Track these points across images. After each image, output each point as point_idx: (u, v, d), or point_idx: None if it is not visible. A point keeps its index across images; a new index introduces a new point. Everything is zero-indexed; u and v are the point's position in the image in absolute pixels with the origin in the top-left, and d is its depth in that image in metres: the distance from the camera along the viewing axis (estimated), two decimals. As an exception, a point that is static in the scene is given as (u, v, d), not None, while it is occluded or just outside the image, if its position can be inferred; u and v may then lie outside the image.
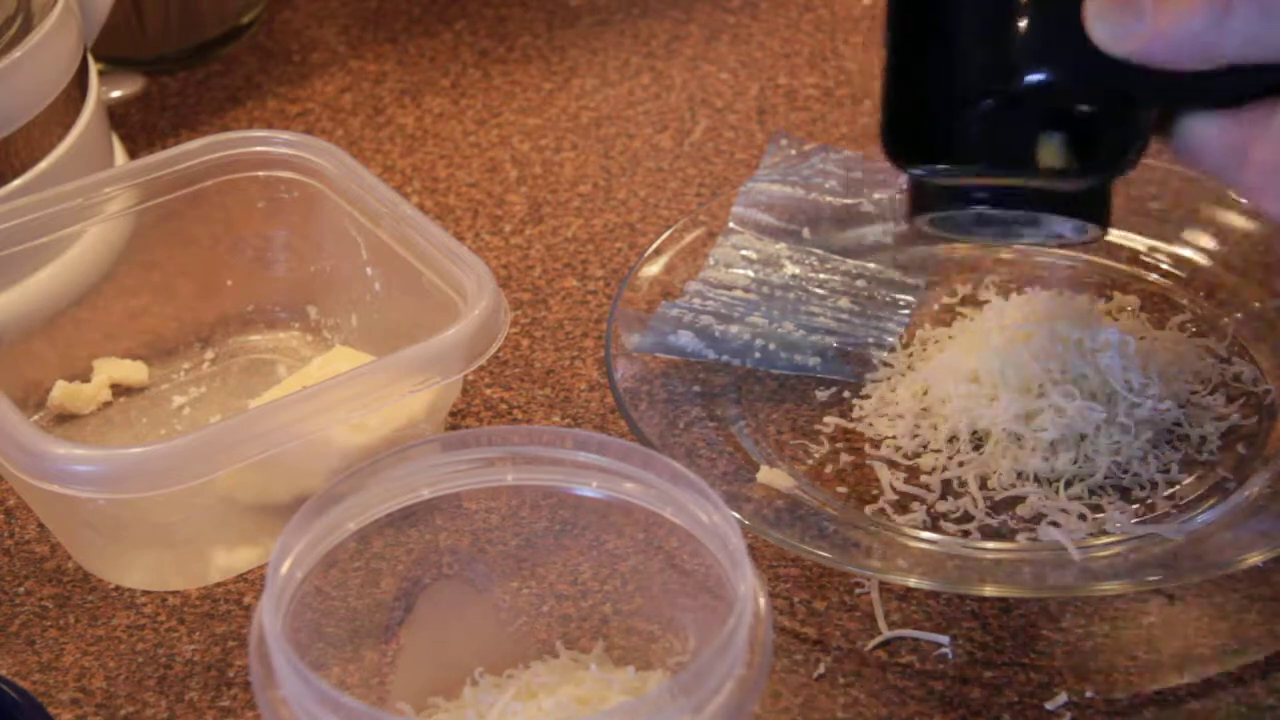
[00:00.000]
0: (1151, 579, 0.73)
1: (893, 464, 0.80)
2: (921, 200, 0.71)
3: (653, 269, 0.87)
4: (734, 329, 0.84)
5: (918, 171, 0.70)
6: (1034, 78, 0.66)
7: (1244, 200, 0.66)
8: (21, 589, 0.78)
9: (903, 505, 0.78)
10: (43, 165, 0.85)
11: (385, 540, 0.70)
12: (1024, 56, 0.67)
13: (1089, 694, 0.72)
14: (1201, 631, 0.74)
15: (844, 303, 0.86)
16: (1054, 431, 0.78)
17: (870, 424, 0.81)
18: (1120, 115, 0.67)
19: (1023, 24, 0.67)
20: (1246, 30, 0.63)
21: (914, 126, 0.69)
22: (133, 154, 0.96)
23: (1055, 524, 0.76)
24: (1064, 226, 0.71)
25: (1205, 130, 0.66)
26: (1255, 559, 0.73)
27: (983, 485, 0.78)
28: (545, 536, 0.71)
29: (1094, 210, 0.70)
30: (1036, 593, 0.74)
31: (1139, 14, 0.64)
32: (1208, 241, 0.88)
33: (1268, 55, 0.64)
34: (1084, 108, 0.67)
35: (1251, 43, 0.63)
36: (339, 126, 1.02)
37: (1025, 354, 0.80)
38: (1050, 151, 0.67)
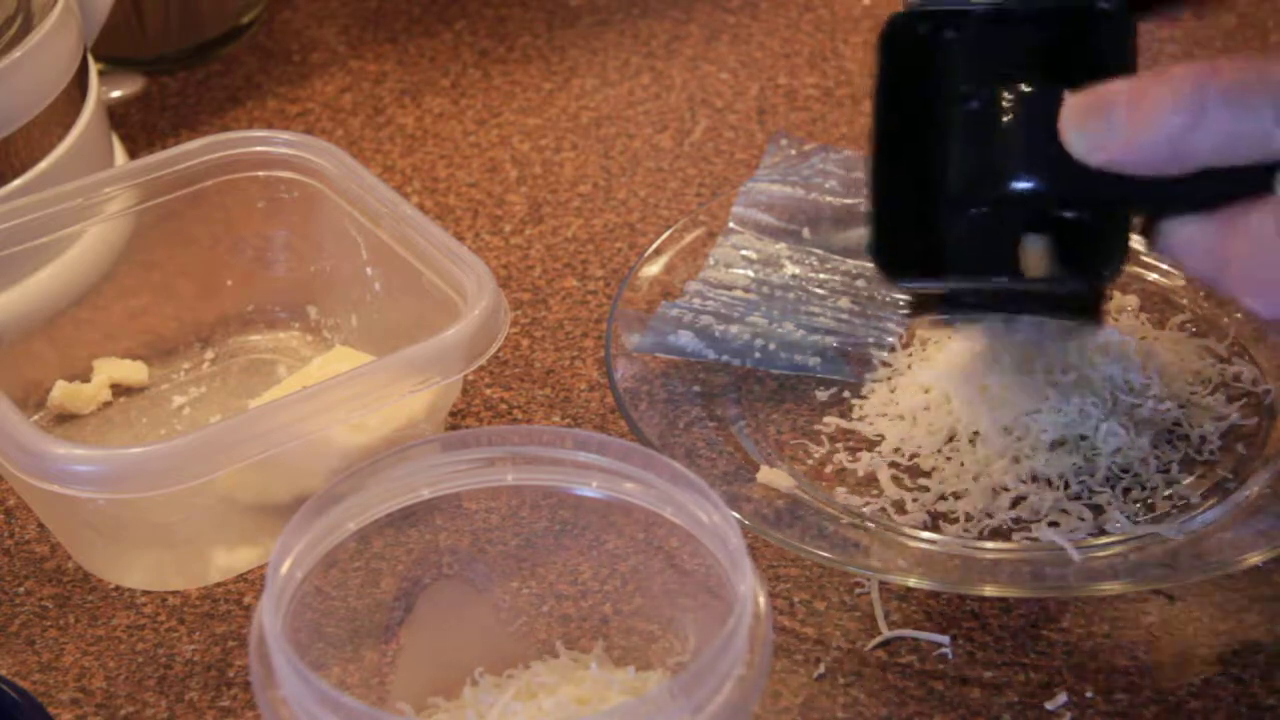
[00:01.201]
0: (1151, 579, 0.73)
1: (893, 464, 0.79)
2: (921, 304, 0.75)
3: (653, 269, 0.87)
4: (734, 329, 0.84)
5: (911, 286, 0.73)
6: (1016, 187, 0.68)
7: (1230, 299, 0.67)
8: (21, 589, 0.78)
9: (902, 505, 0.78)
10: (43, 165, 0.85)
11: (385, 540, 0.70)
12: (1006, 166, 0.68)
13: (1089, 694, 0.72)
14: (1201, 631, 0.74)
15: (844, 303, 0.86)
16: (1054, 431, 0.78)
17: (870, 424, 0.81)
18: (1102, 222, 0.68)
19: (1004, 134, 0.68)
20: (1219, 133, 0.64)
21: (901, 243, 0.71)
22: (133, 154, 0.96)
23: (1055, 524, 0.76)
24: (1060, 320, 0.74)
25: (1184, 232, 0.67)
26: (1255, 559, 0.73)
27: (982, 485, 0.78)
28: (545, 536, 0.71)
29: (1088, 311, 0.72)
30: (1036, 593, 0.74)
31: (1113, 123, 0.65)
32: (1208, 241, 0.88)
33: (1241, 157, 0.64)
34: (1066, 215, 0.69)
35: (1225, 146, 0.64)
36: (339, 126, 1.02)
37: (1025, 354, 0.80)
38: (1035, 260, 0.70)
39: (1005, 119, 0.69)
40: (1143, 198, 0.67)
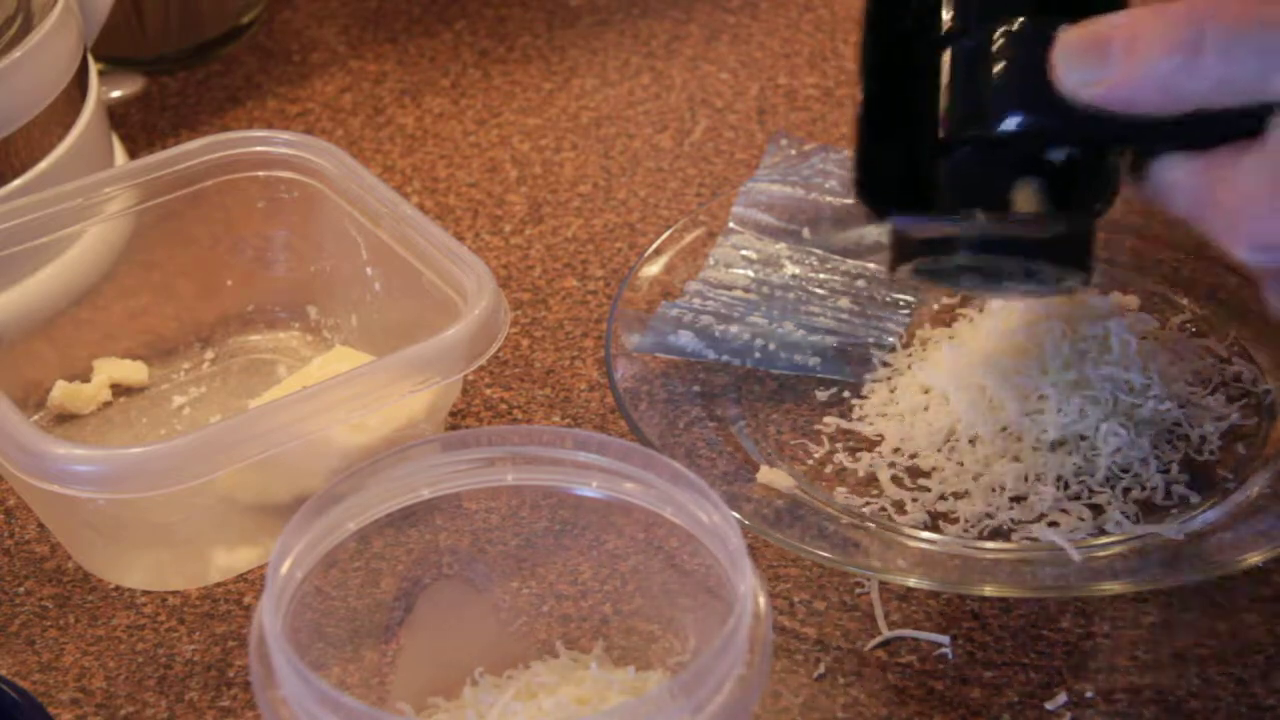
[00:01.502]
0: (1151, 579, 0.73)
1: (893, 464, 0.79)
2: (903, 250, 0.71)
3: (653, 269, 0.87)
4: (734, 329, 0.84)
5: (895, 220, 0.70)
6: (1007, 125, 0.67)
7: (1214, 243, 0.66)
8: (21, 589, 0.78)
9: (902, 505, 0.78)
10: (43, 165, 0.85)
11: (385, 540, 0.70)
12: (997, 104, 0.67)
13: (1089, 694, 0.72)
14: (1201, 631, 0.74)
15: (844, 303, 0.86)
16: (1054, 431, 0.78)
17: (870, 424, 0.81)
18: (1092, 160, 0.67)
19: (995, 71, 0.67)
20: (1214, 74, 0.63)
21: (889, 175, 0.69)
22: (133, 154, 0.96)
23: (1055, 524, 0.76)
24: (1046, 275, 0.71)
25: (1174, 174, 0.66)
26: (1255, 559, 0.73)
27: (982, 485, 0.78)
28: (545, 536, 0.71)
29: (1075, 257, 0.70)
30: (1036, 593, 0.74)
31: (1106, 60, 0.64)
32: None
33: (1235, 99, 0.63)
34: (1057, 153, 0.67)
35: (1219, 87, 0.63)
36: (339, 126, 1.02)
37: (1026, 354, 0.80)
38: (1024, 197, 0.68)
39: (997, 55, 0.67)
40: (1133, 136, 0.66)
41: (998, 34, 0.67)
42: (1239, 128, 0.64)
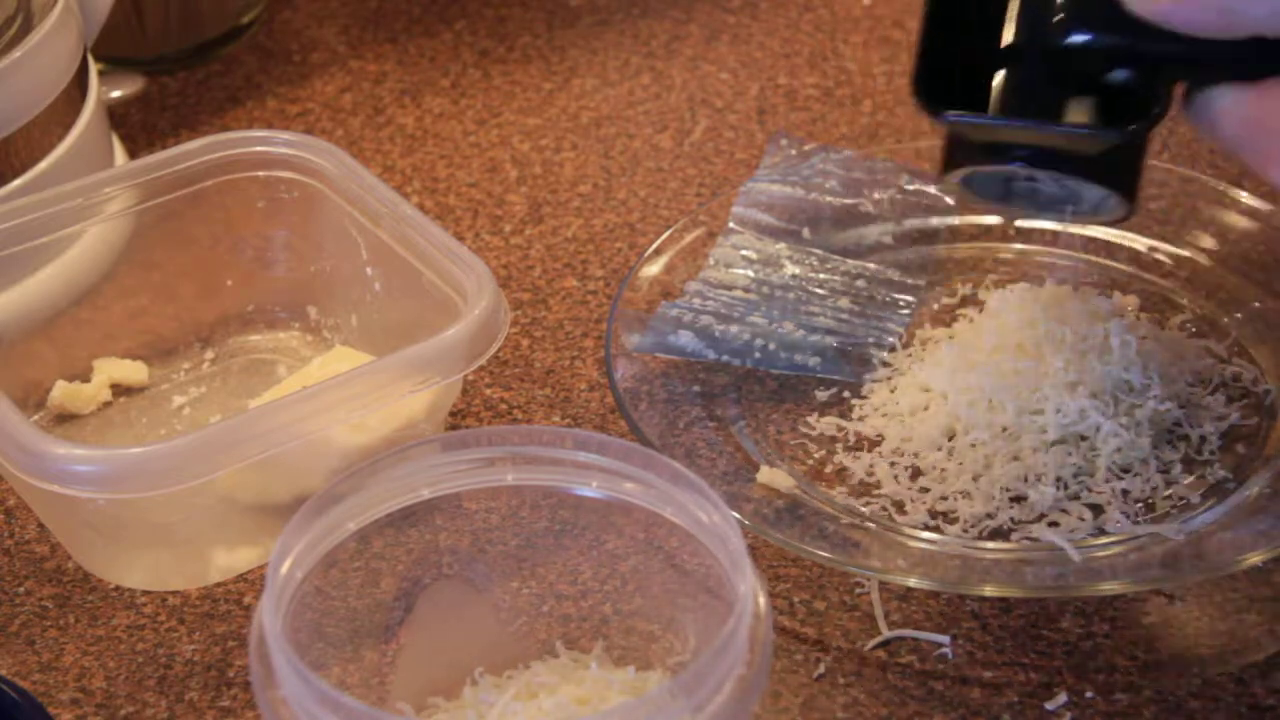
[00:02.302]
0: (1151, 579, 0.73)
1: (893, 464, 0.79)
2: (957, 155, 0.73)
3: (653, 269, 0.87)
4: (734, 329, 0.84)
5: (949, 118, 0.71)
6: (1073, 38, 0.69)
7: (1255, 171, 0.68)
8: (21, 589, 0.78)
9: (902, 505, 0.78)
10: (43, 165, 0.85)
11: (385, 540, 0.70)
12: (1064, 16, 0.69)
13: (1089, 694, 0.72)
14: (1201, 631, 0.74)
15: (844, 303, 0.86)
16: (1054, 431, 0.78)
17: (870, 424, 0.81)
18: (1148, 82, 0.69)
19: None
20: (1273, 2, 0.64)
21: (948, 76, 0.71)
22: (133, 154, 0.96)
23: (1055, 524, 0.76)
24: (1091, 198, 0.72)
25: (1223, 101, 0.68)
26: (1255, 559, 0.73)
27: (982, 485, 0.78)
28: (545, 536, 0.71)
29: (1124, 181, 0.72)
30: (1036, 593, 0.74)
31: None
32: (1208, 241, 0.88)
33: None
34: (1117, 72, 0.69)
35: (1276, 14, 0.65)
36: (339, 126, 1.02)
37: (1026, 354, 0.80)
38: (1080, 110, 0.70)
39: None
40: (1189, 58, 0.68)
41: None
42: None
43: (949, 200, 0.90)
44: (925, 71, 0.71)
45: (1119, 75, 0.69)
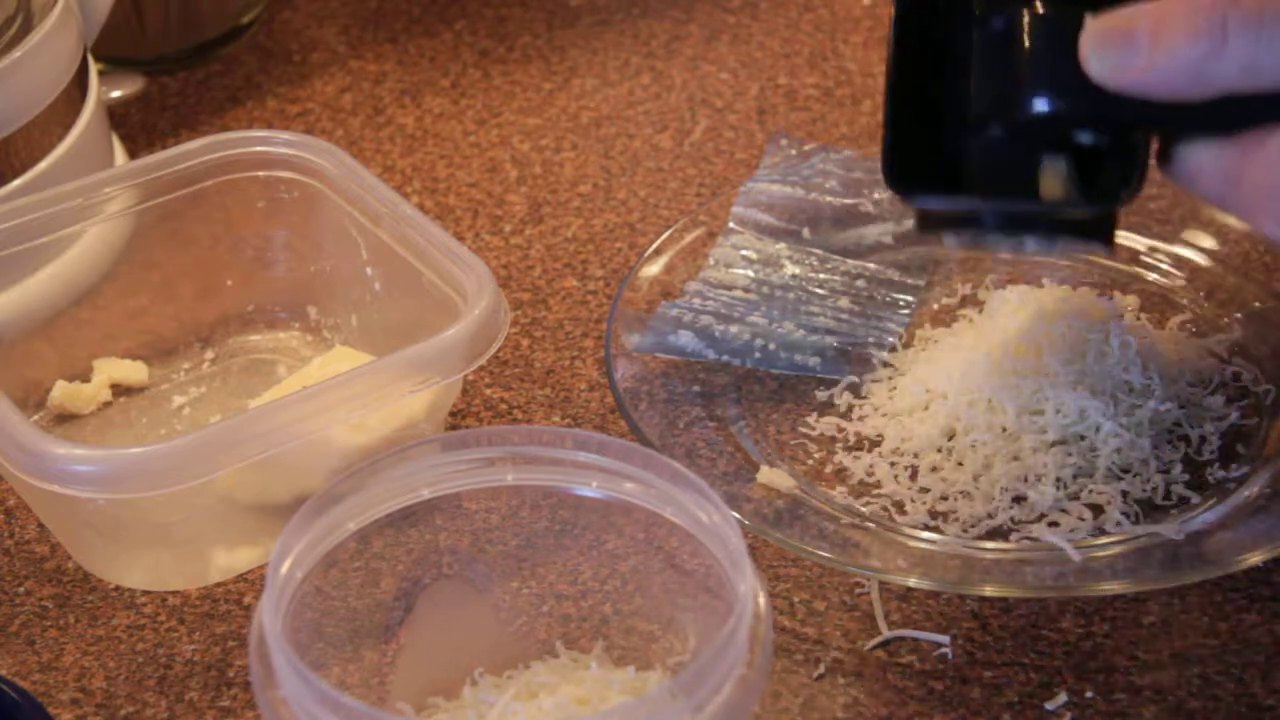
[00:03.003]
0: (1151, 579, 0.73)
1: (893, 464, 0.79)
2: (929, 222, 0.72)
3: (653, 269, 0.87)
4: (734, 329, 0.84)
5: (922, 203, 0.71)
6: (1036, 107, 0.67)
7: (1244, 224, 0.67)
8: (21, 589, 0.78)
9: (902, 505, 0.78)
10: (43, 165, 0.85)
11: (385, 540, 0.70)
12: (1026, 86, 0.68)
13: (1089, 694, 0.72)
14: (1201, 631, 0.74)
15: (844, 303, 0.86)
16: (1054, 432, 0.78)
17: (870, 424, 0.81)
18: (1120, 145, 0.68)
19: (1024, 54, 0.68)
20: (1242, 59, 0.64)
21: (917, 158, 0.70)
22: (133, 154, 0.96)
23: (1055, 524, 0.76)
24: (1070, 244, 0.72)
25: (1202, 156, 0.67)
26: (1255, 559, 0.73)
27: (983, 485, 0.78)
28: (545, 536, 0.71)
29: (1099, 233, 0.71)
30: (1036, 593, 0.74)
31: (1134, 48, 0.65)
32: (1208, 241, 0.88)
33: (1263, 83, 0.64)
34: (1085, 136, 0.68)
35: (1247, 71, 0.64)
36: (339, 126, 1.02)
37: (1025, 354, 0.80)
38: (1052, 182, 0.68)
39: (1025, 40, 0.68)
40: (1161, 120, 0.67)
41: (1026, 18, 0.68)
42: (1266, 112, 0.65)
43: None
44: (895, 153, 0.70)
45: (1089, 137, 0.68)
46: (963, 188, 0.69)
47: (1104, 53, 0.65)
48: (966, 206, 0.70)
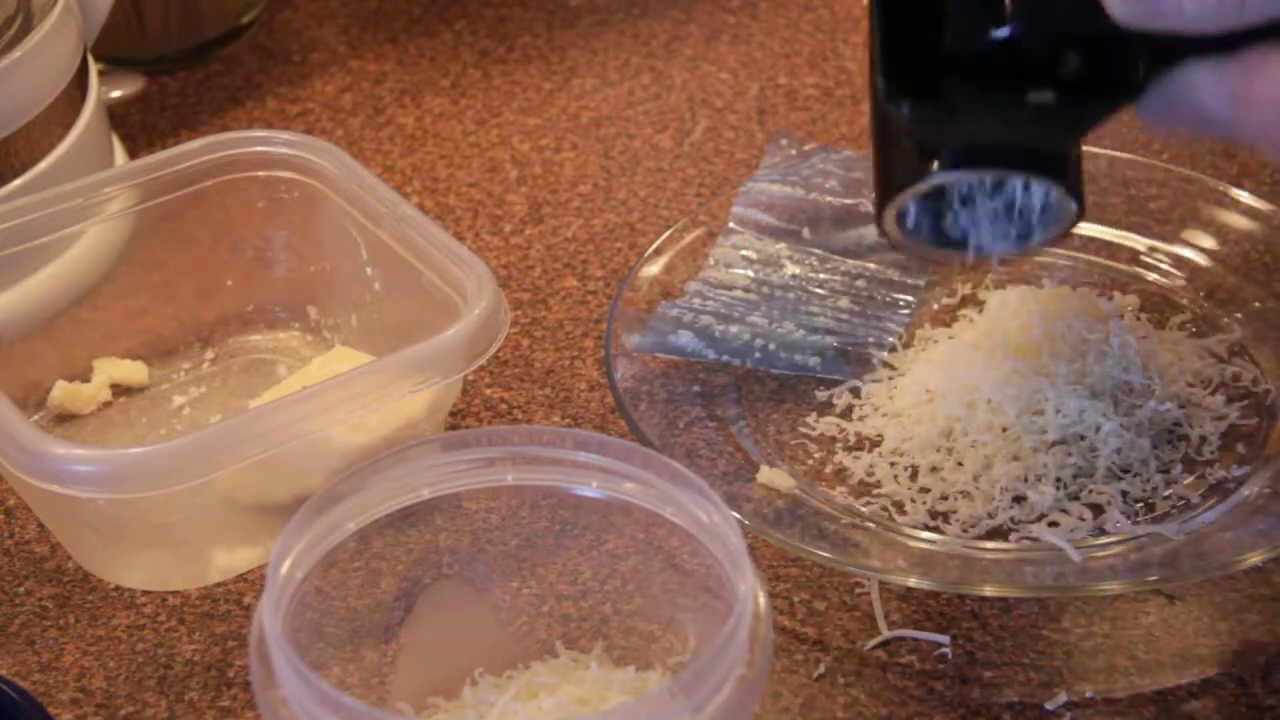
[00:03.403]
0: (1151, 579, 0.73)
1: (893, 464, 0.79)
2: (890, 183, 0.71)
3: (653, 269, 0.87)
4: (734, 329, 0.84)
5: (909, 108, 0.69)
6: (1031, 28, 0.67)
7: (1250, 146, 0.66)
8: (21, 589, 0.78)
9: (902, 505, 0.78)
10: (43, 165, 0.85)
11: (385, 540, 0.70)
12: (1019, 6, 0.67)
13: (1089, 694, 0.72)
14: (1201, 631, 0.74)
15: (844, 303, 0.86)
16: (1054, 432, 0.78)
17: (870, 424, 0.81)
18: (1104, 68, 0.67)
19: None
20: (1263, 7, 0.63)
21: (907, 66, 0.69)
22: (133, 154, 0.96)
23: (1055, 524, 0.76)
24: (1035, 205, 0.71)
25: (1204, 78, 0.65)
26: (1255, 559, 0.73)
27: (983, 485, 0.78)
28: (545, 536, 0.71)
29: (1066, 177, 0.70)
30: (1036, 593, 0.74)
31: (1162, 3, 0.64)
32: (1208, 241, 0.88)
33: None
34: (1069, 62, 0.67)
35: (1265, 9, 0.63)
36: (339, 126, 1.02)
37: (1025, 354, 0.80)
38: (1039, 94, 0.68)
39: None
40: (1165, 47, 0.66)
41: None
42: (1270, 31, 0.64)
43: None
44: (887, 65, 0.69)
45: (1074, 64, 0.67)
46: (953, 95, 0.68)
47: (1132, 5, 0.65)
48: (962, 106, 0.69)
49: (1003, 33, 0.68)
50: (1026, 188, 0.71)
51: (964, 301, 0.87)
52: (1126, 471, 0.78)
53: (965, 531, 0.76)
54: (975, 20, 0.68)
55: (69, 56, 0.86)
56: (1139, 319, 0.85)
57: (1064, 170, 0.70)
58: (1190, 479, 0.78)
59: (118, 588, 0.78)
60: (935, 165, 0.70)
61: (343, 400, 0.73)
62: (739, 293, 0.86)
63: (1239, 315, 0.85)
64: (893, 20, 0.70)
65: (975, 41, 0.68)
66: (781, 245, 0.89)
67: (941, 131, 0.70)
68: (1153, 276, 0.88)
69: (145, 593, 0.77)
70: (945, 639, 0.74)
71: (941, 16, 0.69)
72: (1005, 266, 0.88)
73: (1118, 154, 0.91)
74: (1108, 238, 0.89)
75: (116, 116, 1.00)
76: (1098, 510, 0.77)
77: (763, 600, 0.64)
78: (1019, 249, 0.73)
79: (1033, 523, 0.77)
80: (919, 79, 0.69)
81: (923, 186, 0.70)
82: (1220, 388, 0.82)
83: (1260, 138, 0.66)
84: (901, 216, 0.72)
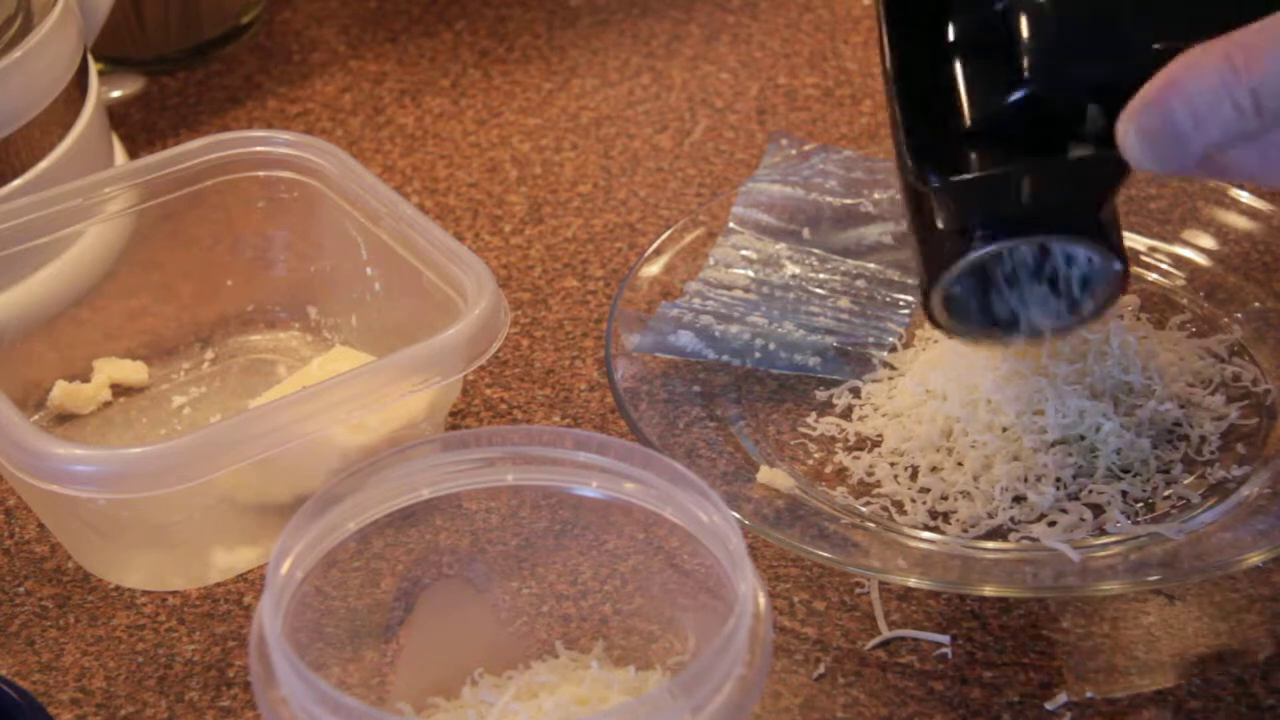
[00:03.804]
0: (1151, 579, 0.73)
1: (893, 464, 0.79)
2: (934, 263, 0.72)
3: (653, 269, 0.87)
4: (734, 329, 0.84)
5: (939, 184, 0.70)
6: (1048, 86, 0.68)
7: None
8: (21, 589, 0.78)
9: (902, 505, 0.78)
10: (43, 165, 0.85)
11: (385, 540, 0.70)
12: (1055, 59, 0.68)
13: (1089, 694, 0.72)
14: (1201, 631, 0.74)
15: (844, 303, 0.86)
16: (1054, 432, 0.78)
17: (870, 424, 0.81)
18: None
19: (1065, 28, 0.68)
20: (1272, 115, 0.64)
21: (937, 132, 0.70)
22: (133, 154, 0.96)
23: (1055, 524, 0.76)
24: (1080, 275, 0.72)
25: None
26: (1255, 559, 0.73)
27: (983, 485, 0.78)
28: (545, 536, 0.71)
29: (1104, 237, 0.71)
30: (1036, 593, 0.74)
31: (1183, 145, 0.65)
32: (1208, 241, 0.88)
33: None
34: (1098, 106, 0.68)
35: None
36: (339, 126, 1.02)
37: (1025, 354, 0.80)
38: (1081, 142, 0.68)
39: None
40: None
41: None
42: None
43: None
44: (913, 146, 0.70)
45: (1094, 117, 0.68)
46: (993, 159, 0.69)
47: (1151, 151, 0.66)
48: (994, 176, 0.69)
49: (1020, 94, 0.68)
50: (1069, 261, 0.72)
51: (964, 301, 0.87)
52: (1126, 471, 0.78)
53: (965, 531, 0.76)
54: (992, 86, 0.68)
55: (69, 56, 0.86)
56: (1139, 319, 0.85)
57: (1100, 230, 0.70)
58: (1190, 479, 0.78)
59: (118, 588, 0.78)
60: (972, 242, 0.70)
61: (343, 400, 0.73)
62: (739, 293, 0.86)
63: (1239, 315, 0.85)
64: (910, 97, 0.70)
65: (994, 108, 0.68)
66: (781, 245, 0.89)
67: (974, 204, 0.70)
68: (1153, 276, 0.88)
69: (145, 593, 0.77)
70: (945, 639, 0.74)
71: (958, 86, 0.69)
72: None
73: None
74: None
75: (116, 116, 1.00)
76: (1098, 510, 0.77)
77: (763, 600, 0.64)
78: (1070, 322, 0.74)
79: (1033, 523, 0.77)
80: (945, 152, 0.69)
81: (964, 264, 0.71)
82: (1220, 388, 0.82)
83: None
84: (950, 301, 0.73)
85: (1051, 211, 0.70)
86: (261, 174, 0.85)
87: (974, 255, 0.71)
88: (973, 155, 0.69)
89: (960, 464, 0.79)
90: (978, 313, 0.74)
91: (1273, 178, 0.68)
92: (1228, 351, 0.83)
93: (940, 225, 0.71)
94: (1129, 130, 0.66)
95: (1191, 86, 0.64)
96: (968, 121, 0.69)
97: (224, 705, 0.73)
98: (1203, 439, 0.80)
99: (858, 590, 0.76)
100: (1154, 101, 0.65)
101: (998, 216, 0.70)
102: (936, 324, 0.74)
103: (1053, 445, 0.78)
